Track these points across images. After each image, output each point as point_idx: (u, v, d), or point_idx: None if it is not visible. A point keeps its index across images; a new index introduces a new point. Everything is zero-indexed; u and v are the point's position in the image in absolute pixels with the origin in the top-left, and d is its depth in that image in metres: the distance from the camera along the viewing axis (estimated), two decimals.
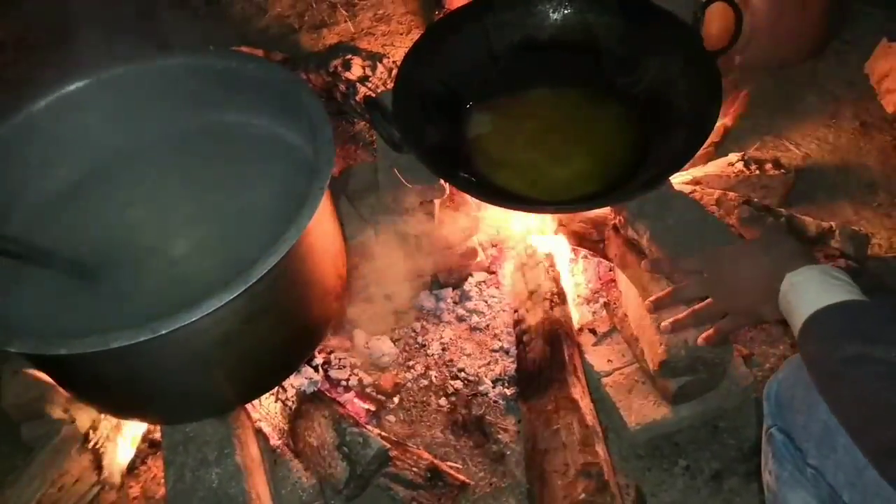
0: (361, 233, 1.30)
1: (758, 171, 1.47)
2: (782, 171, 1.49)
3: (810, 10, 1.72)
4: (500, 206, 1.11)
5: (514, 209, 1.19)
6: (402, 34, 2.05)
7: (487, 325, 1.36)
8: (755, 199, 1.39)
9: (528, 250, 1.35)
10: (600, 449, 1.04)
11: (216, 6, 2.22)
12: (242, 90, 1.13)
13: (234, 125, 1.19)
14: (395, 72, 1.71)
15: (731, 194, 1.37)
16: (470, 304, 1.38)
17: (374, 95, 1.15)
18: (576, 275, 1.40)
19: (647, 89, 1.24)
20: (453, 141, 1.24)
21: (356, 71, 1.70)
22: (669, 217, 1.10)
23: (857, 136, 1.68)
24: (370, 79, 1.69)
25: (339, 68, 1.71)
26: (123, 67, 1.14)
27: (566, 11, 1.33)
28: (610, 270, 1.34)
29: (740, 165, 1.47)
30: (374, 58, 1.75)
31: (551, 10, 1.33)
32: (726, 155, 1.54)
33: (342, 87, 1.71)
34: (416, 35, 2.02)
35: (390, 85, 1.71)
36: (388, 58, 1.80)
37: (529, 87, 1.33)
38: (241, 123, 1.18)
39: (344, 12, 2.15)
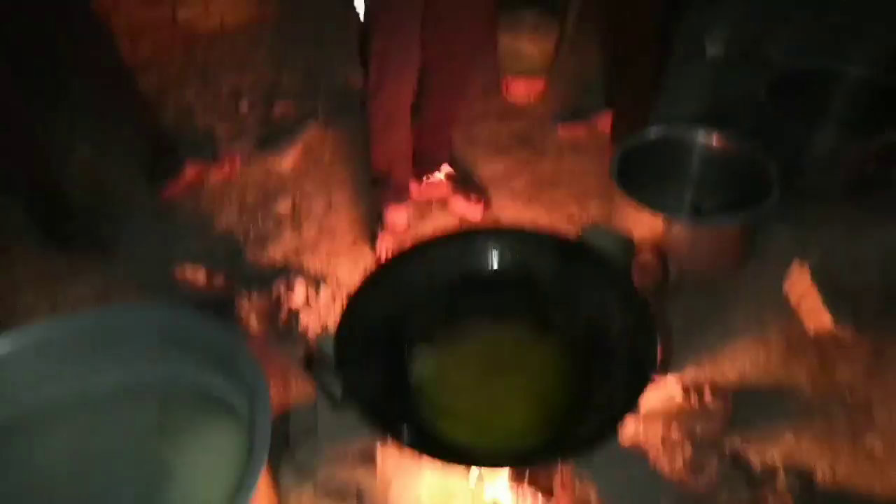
0: (299, 485, 1.23)
1: (697, 400, 1.50)
2: (720, 398, 1.52)
3: (727, 243, 1.87)
4: (444, 462, 1.08)
5: (457, 466, 1.15)
6: (347, 248, 2.10)
7: None
8: (697, 435, 1.39)
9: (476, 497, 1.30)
10: None
11: (163, 220, 2.25)
12: (180, 345, 1.11)
13: (168, 380, 1.16)
14: (338, 301, 1.73)
15: (675, 434, 1.37)
16: None
17: (313, 350, 1.13)
18: None
19: (586, 326, 1.28)
20: (398, 385, 1.23)
21: (300, 296, 1.71)
22: (616, 474, 1.09)
23: (786, 356, 1.74)
24: (313, 304, 1.70)
25: (282, 293, 1.72)
26: (47, 325, 1.11)
27: (505, 249, 1.39)
28: None
29: (680, 395, 1.50)
30: (318, 281, 1.77)
31: (491, 248, 1.39)
32: (666, 380, 1.57)
33: (285, 311, 1.71)
34: (360, 248, 2.08)
35: (335, 309, 1.74)
36: (333, 281, 1.82)
37: (472, 322, 1.35)
38: (176, 378, 1.15)
39: (289, 226, 2.21)
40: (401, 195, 2.01)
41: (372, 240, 2.06)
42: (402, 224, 2.03)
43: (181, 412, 1.12)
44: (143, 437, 1.13)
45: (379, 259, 1.98)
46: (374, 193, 2.05)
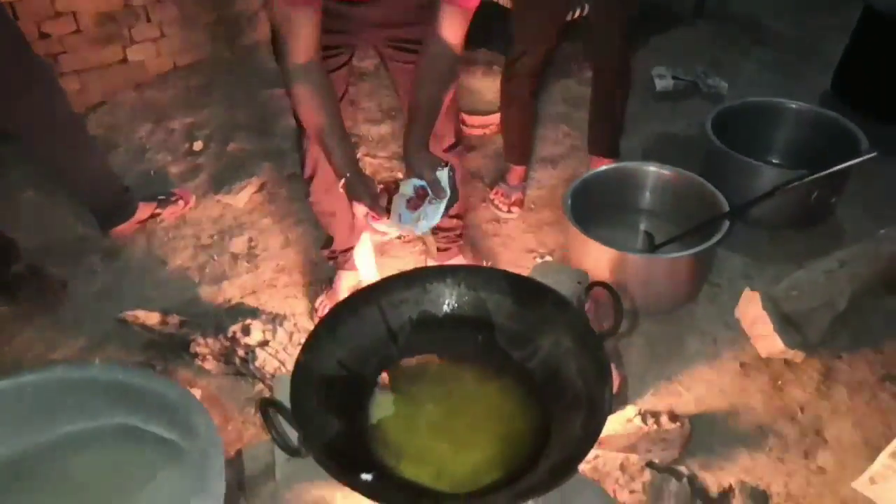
0: None
1: (655, 426, 1.52)
2: (678, 423, 1.54)
3: (681, 274, 1.92)
4: None
5: None
6: (303, 285, 2.09)
7: None
8: (656, 460, 1.41)
9: None
10: None
11: (115, 260, 2.21)
12: (125, 399, 1.08)
13: (118, 430, 1.12)
14: (294, 336, 1.71)
15: (633, 457, 1.38)
16: None
17: (268, 397, 1.11)
18: None
19: (543, 365, 1.29)
20: (356, 429, 1.21)
21: (256, 336, 1.69)
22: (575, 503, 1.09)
23: (740, 377, 1.79)
24: (270, 343, 1.68)
25: (238, 333, 1.70)
26: None
27: (460, 289, 1.39)
28: None
29: (638, 421, 1.52)
30: (274, 321, 1.75)
31: (445, 288, 1.39)
32: (625, 406, 1.59)
33: (241, 351, 1.68)
34: (316, 287, 2.06)
35: (292, 347, 1.72)
36: (290, 319, 1.80)
37: (429, 362, 1.34)
38: (126, 428, 1.12)
39: (245, 263, 2.19)
40: (349, 263, 1.95)
41: (313, 297, 2.03)
42: (349, 290, 2.00)
43: (134, 461, 1.09)
44: (97, 487, 1.09)
45: (317, 316, 1.94)
46: (324, 255, 2.01)
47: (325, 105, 1.39)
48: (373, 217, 1.39)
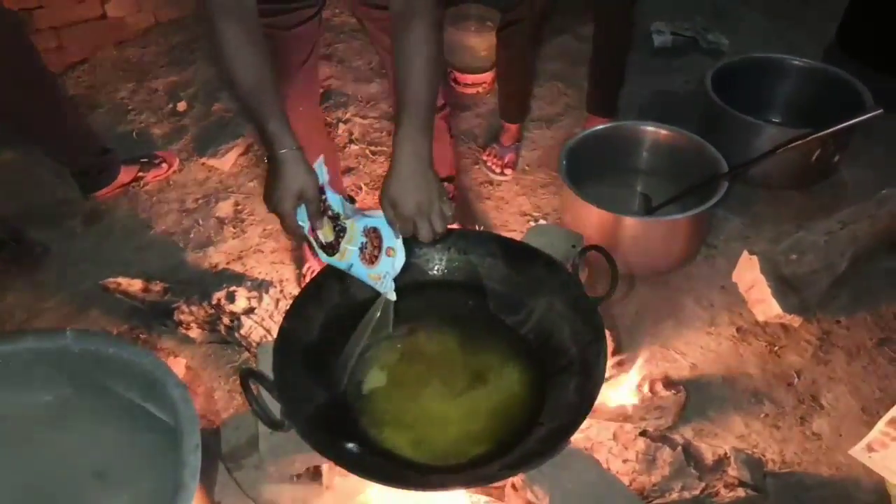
0: None
1: (650, 393, 1.49)
2: (673, 390, 1.51)
3: (677, 236, 1.87)
4: (389, 485, 1.03)
5: (404, 489, 1.09)
6: (291, 251, 2.04)
7: None
8: (650, 428, 1.38)
9: None
10: None
11: (97, 225, 2.15)
12: (102, 367, 1.04)
13: (96, 400, 1.09)
14: (281, 303, 1.67)
15: (627, 426, 1.35)
16: None
17: (250, 368, 1.07)
18: None
19: (536, 330, 1.25)
20: (340, 399, 1.17)
21: (241, 303, 1.64)
22: (567, 480, 1.06)
23: (736, 343, 1.76)
24: (256, 310, 1.63)
25: (223, 301, 1.65)
26: None
27: (450, 253, 1.34)
28: None
29: (633, 392, 1.48)
30: (260, 287, 1.70)
31: (435, 253, 1.34)
32: (618, 375, 1.56)
33: (226, 319, 1.63)
34: (303, 252, 2.01)
35: (278, 314, 1.67)
36: (276, 286, 1.76)
37: (419, 327, 1.30)
38: (104, 398, 1.08)
39: (232, 229, 2.13)
40: None
41: (300, 262, 1.96)
42: None
43: (113, 428, 1.06)
44: (76, 455, 1.07)
45: (303, 281, 1.87)
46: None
47: (258, 54, 1.09)
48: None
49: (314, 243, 1.15)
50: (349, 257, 1.15)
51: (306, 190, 1.08)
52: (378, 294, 1.19)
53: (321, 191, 1.12)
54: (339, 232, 1.15)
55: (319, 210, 1.11)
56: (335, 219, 1.14)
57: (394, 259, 1.14)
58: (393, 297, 1.18)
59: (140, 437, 1.03)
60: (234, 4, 1.06)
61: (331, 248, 1.15)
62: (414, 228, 1.12)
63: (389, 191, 1.10)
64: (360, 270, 1.16)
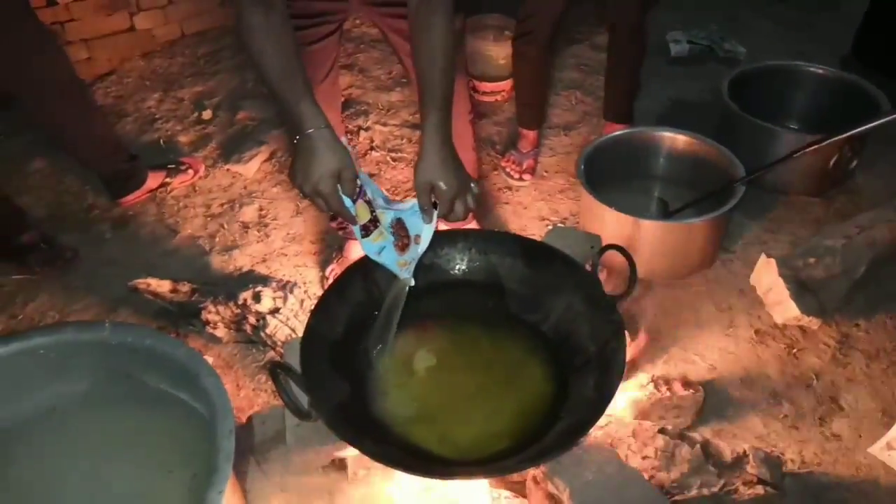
0: (269, 494, 1.20)
1: (668, 393, 1.50)
2: (691, 390, 1.52)
3: (695, 240, 1.88)
4: (414, 475, 1.06)
5: (428, 477, 1.12)
6: (314, 254, 2.08)
7: None
8: (668, 426, 1.39)
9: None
10: None
11: (125, 229, 2.21)
12: (138, 360, 1.08)
13: (132, 390, 1.13)
14: (306, 303, 1.70)
15: (646, 423, 1.37)
16: None
17: (279, 360, 1.10)
18: None
19: (555, 329, 1.27)
20: (365, 392, 1.21)
21: (266, 303, 1.68)
22: (587, 472, 1.08)
23: (755, 345, 1.77)
24: (281, 310, 1.67)
25: (249, 301, 1.69)
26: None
27: (471, 253, 1.38)
28: None
29: (651, 388, 1.50)
30: (285, 288, 1.74)
31: (457, 253, 1.37)
32: (636, 374, 1.58)
33: (252, 319, 1.67)
34: (326, 255, 2.05)
35: (303, 314, 1.71)
36: (301, 287, 1.79)
37: (440, 326, 1.33)
38: (140, 389, 1.12)
39: (256, 232, 2.18)
40: None
41: (324, 264, 2.01)
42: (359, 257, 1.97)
43: (144, 420, 1.09)
44: (110, 445, 1.10)
45: (326, 283, 1.91)
46: (333, 226, 1.97)
47: (287, 38, 1.11)
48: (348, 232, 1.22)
49: (357, 219, 1.14)
50: (383, 241, 1.18)
51: (343, 168, 1.07)
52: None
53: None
54: (374, 217, 1.18)
55: (356, 188, 1.11)
56: (370, 203, 1.16)
57: (419, 245, 1.18)
58: (412, 282, 1.22)
59: (174, 425, 1.06)
60: None
61: (365, 230, 1.17)
62: (451, 207, 1.16)
63: (426, 175, 1.14)
64: (391, 255, 1.20)
